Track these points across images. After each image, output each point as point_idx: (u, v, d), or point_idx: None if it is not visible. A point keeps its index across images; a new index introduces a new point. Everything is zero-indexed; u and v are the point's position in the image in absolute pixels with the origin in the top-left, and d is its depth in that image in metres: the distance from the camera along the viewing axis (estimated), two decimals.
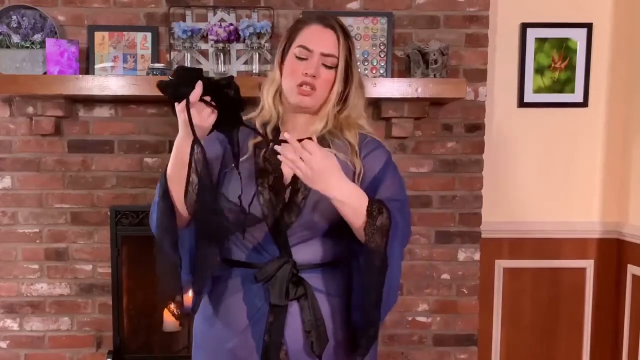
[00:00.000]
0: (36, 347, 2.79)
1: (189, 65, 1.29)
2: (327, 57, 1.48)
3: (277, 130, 1.53)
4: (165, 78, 1.33)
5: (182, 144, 1.38)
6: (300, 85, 1.48)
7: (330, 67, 1.49)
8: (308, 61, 1.48)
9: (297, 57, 1.49)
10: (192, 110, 1.31)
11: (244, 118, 1.54)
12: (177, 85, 1.30)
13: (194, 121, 1.31)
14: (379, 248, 1.38)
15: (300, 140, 1.34)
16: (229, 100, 1.33)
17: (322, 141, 1.51)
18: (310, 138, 1.36)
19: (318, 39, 1.48)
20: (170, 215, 1.41)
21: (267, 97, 1.55)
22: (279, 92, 1.55)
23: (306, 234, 1.47)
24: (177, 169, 1.39)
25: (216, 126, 1.37)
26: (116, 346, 2.75)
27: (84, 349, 2.80)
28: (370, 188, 1.48)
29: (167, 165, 1.44)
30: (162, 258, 1.44)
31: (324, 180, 1.35)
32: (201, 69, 1.35)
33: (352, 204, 1.38)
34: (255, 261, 1.48)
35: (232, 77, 1.37)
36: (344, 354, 1.51)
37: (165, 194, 1.41)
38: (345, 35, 1.51)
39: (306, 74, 1.47)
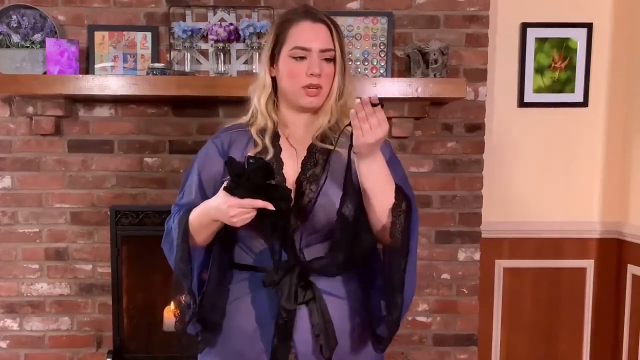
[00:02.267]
0: (36, 347, 2.79)
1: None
2: (325, 52, 1.46)
3: (276, 137, 1.51)
4: (240, 164, 1.34)
5: (218, 218, 1.40)
6: (307, 86, 1.46)
7: (329, 61, 1.47)
8: (308, 60, 1.45)
9: (294, 58, 1.46)
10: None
11: (234, 123, 1.55)
12: (248, 179, 1.31)
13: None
14: (403, 229, 1.38)
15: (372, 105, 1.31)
16: (277, 209, 1.34)
17: (325, 139, 1.50)
18: (381, 105, 1.30)
19: (313, 36, 1.46)
20: (187, 261, 1.45)
21: (260, 105, 1.51)
22: (271, 99, 1.52)
23: (313, 237, 1.46)
24: (201, 226, 1.44)
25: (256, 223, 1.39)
26: (116, 346, 2.75)
27: (84, 349, 2.80)
28: None
29: (187, 208, 1.48)
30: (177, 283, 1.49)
31: (375, 151, 1.33)
32: (270, 167, 1.35)
33: (386, 181, 1.38)
34: (263, 265, 1.47)
35: (289, 190, 1.39)
36: (357, 354, 1.50)
37: (185, 237, 1.44)
38: (335, 25, 1.49)
39: (312, 74, 1.44)
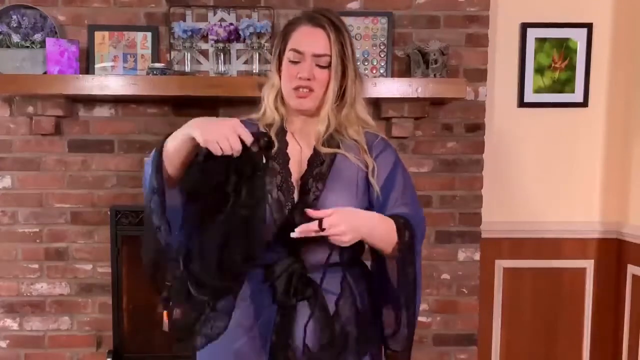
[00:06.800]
0: (36, 346, 2.79)
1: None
2: (320, 58, 1.47)
3: (282, 132, 1.54)
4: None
5: (195, 131, 1.35)
6: (297, 88, 1.48)
7: (324, 67, 1.48)
8: (301, 64, 1.47)
9: (290, 60, 1.49)
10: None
11: (246, 117, 1.57)
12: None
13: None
14: (410, 257, 1.44)
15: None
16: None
17: (332, 141, 1.52)
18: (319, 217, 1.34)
19: (308, 40, 1.48)
20: (160, 193, 1.48)
21: (268, 101, 1.56)
22: (279, 95, 1.55)
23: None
24: (175, 148, 1.39)
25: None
26: (116, 346, 2.75)
27: (84, 349, 2.80)
28: (382, 191, 1.50)
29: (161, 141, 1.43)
30: (147, 223, 1.51)
31: (357, 229, 1.37)
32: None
33: (385, 234, 1.42)
34: (264, 261, 1.47)
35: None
36: (356, 350, 1.51)
37: (159, 164, 1.43)
38: (336, 30, 1.48)
39: (300, 77, 1.47)
